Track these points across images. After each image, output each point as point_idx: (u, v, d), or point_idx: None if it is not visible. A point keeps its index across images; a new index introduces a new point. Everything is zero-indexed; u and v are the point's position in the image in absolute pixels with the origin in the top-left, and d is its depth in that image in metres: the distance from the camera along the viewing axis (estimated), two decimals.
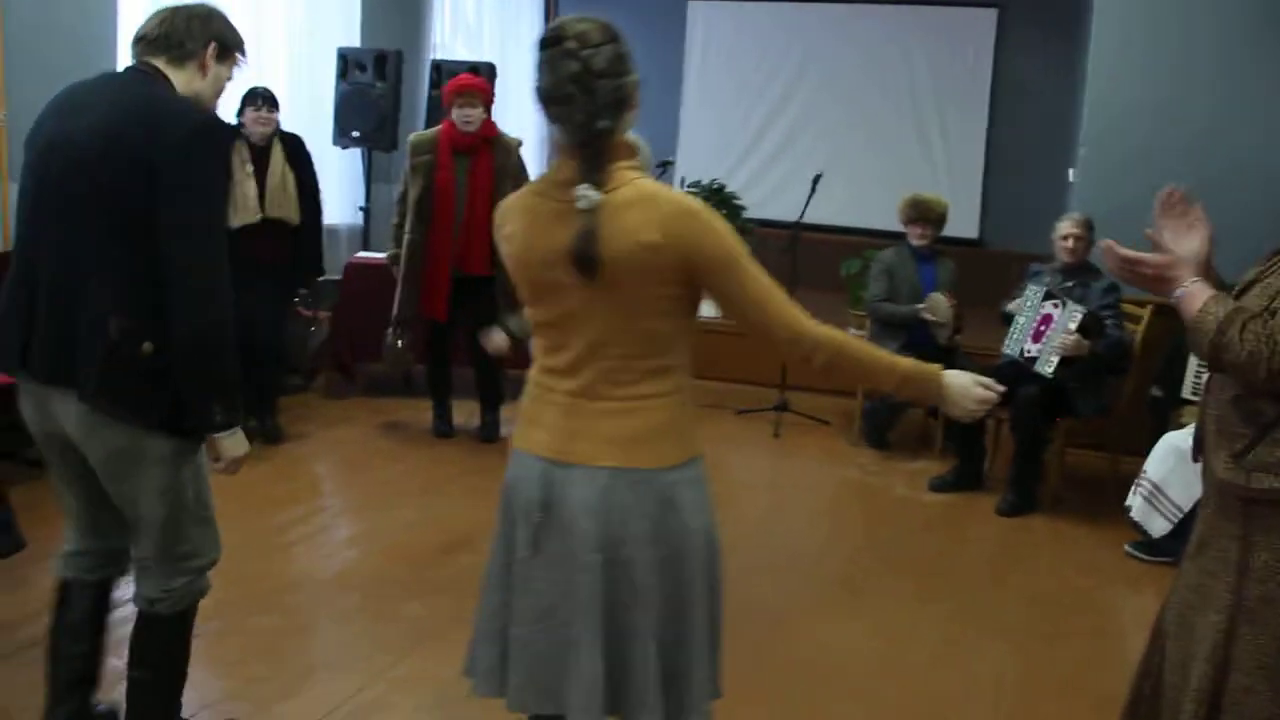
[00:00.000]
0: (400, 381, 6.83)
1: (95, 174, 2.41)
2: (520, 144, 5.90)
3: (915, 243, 6.33)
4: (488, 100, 5.84)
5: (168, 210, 2.38)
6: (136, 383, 2.45)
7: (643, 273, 2.01)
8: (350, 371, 6.85)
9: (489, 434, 6.12)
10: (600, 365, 2.08)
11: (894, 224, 6.57)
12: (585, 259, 1.99)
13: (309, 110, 7.37)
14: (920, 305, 6.08)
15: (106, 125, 2.41)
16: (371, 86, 7.24)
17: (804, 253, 7.10)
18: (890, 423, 6.45)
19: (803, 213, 6.71)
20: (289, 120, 6.18)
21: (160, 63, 2.55)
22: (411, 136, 5.95)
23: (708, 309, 2.22)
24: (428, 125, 7.73)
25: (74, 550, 2.76)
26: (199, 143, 2.43)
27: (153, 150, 2.38)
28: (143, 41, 2.57)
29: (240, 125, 5.68)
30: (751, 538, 4.77)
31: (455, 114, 5.69)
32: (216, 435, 2.54)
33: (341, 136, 7.41)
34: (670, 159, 7.30)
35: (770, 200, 9.26)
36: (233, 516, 3.25)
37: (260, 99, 5.69)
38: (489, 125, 5.77)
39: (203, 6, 2.64)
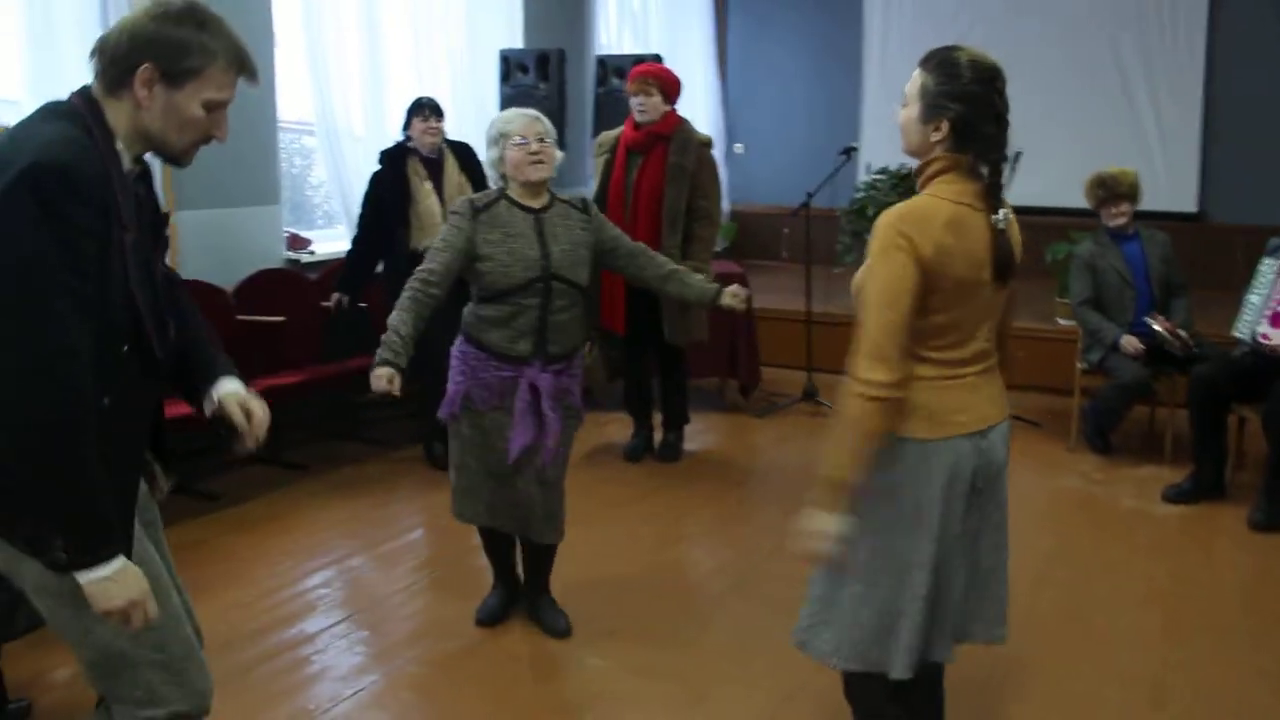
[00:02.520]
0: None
1: None
2: (709, 142, 5.42)
3: (1113, 224, 5.68)
4: (667, 88, 5.31)
5: None
6: None
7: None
8: None
9: (671, 454, 5.74)
10: (990, 347, 2.46)
11: None
12: (1007, 266, 2.36)
13: (475, 116, 7.15)
14: (1123, 333, 5.52)
15: None
16: (535, 88, 6.96)
17: None
18: (1113, 422, 5.78)
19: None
20: (455, 128, 5.96)
21: (98, 90, 1.98)
22: (600, 135, 5.63)
23: None
24: (596, 124, 7.43)
25: None
26: (10, 195, 1.80)
27: None
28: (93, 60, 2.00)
29: (408, 139, 5.46)
30: None
31: (631, 104, 5.32)
32: (78, 577, 1.91)
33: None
34: (854, 144, 6.76)
35: None
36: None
37: (426, 109, 5.46)
38: (669, 119, 5.31)
39: (160, 9, 1.96)
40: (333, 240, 6.47)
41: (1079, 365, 5.84)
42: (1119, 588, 4.19)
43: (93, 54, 1.98)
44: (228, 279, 5.57)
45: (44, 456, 1.84)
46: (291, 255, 6.12)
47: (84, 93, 1.99)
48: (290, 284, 5.90)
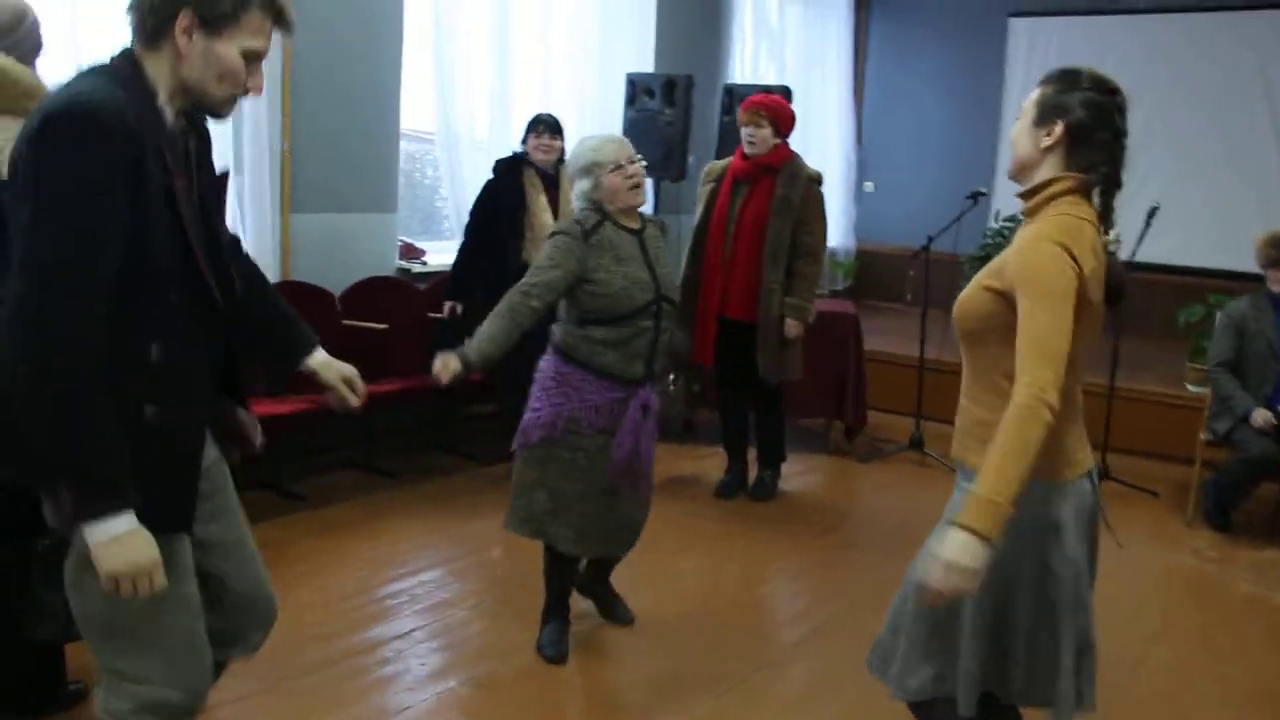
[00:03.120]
0: (680, 427, 6.46)
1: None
2: (818, 178, 5.27)
3: (1277, 289, 5.34)
4: (780, 120, 5.19)
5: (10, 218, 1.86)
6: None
7: None
8: None
9: (764, 492, 5.59)
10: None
11: (1240, 264, 5.59)
12: (1120, 290, 2.30)
13: None
14: (1257, 406, 5.23)
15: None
16: (660, 113, 6.90)
17: (1133, 295, 6.17)
18: (1236, 499, 5.44)
19: (1135, 250, 5.80)
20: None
21: (138, 48, 1.98)
22: (709, 165, 5.55)
23: None
24: (719, 153, 7.34)
25: None
26: (43, 132, 1.82)
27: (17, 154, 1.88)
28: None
29: (526, 153, 5.45)
30: None
31: (741, 135, 5.21)
32: (85, 533, 1.87)
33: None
34: (984, 189, 6.51)
35: None
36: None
37: (542, 125, 5.43)
38: (779, 151, 5.19)
39: None
40: (449, 252, 6.50)
41: (1203, 435, 5.52)
42: (1225, 680, 3.90)
43: (129, 9, 1.97)
44: (337, 284, 5.62)
45: (47, 402, 1.81)
46: (404, 264, 6.16)
47: (124, 53, 1.98)
48: (399, 292, 5.93)
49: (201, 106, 2.04)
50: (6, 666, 3.03)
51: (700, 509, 5.35)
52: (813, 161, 5.40)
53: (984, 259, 7.41)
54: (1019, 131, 2.28)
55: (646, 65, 7.53)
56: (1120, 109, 2.24)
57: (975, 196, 6.32)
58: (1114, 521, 5.37)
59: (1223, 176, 8.48)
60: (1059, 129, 2.20)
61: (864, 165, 10.17)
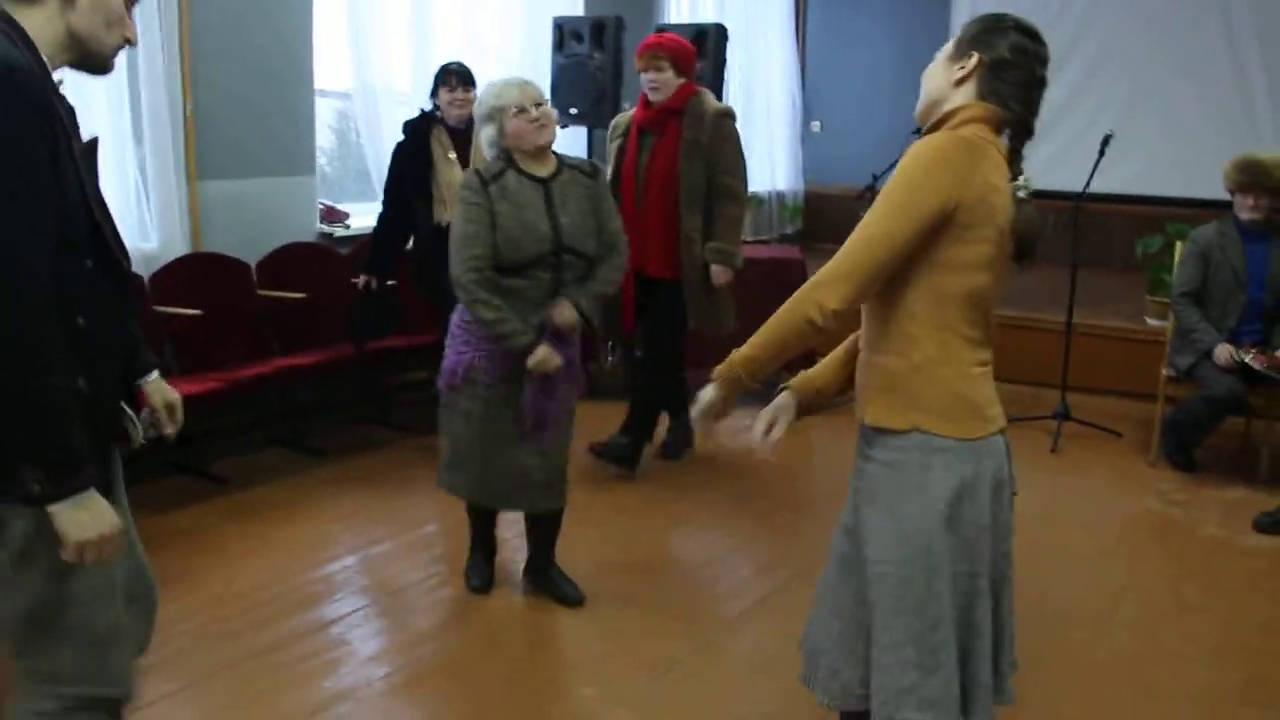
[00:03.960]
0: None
1: None
2: (728, 112, 4.92)
3: (1246, 216, 5.12)
4: (681, 59, 4.82)
5: None
6: None
7: None
8: None
9: (673, 452, 5.31)
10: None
11: (1199, 190, 5.37)
12: (1032, 243, 2.06)
13: None
14: (1220, 341, 5.01)
15: None
16: (589, 58, 6.57)
17: (1090, 228, 5.99)
18: (1198, 438, 5.24)
19: (1089, 181, 5.55)
20: None
21: (10, 5, 1.81)
22: (614, 119, 5.22)
23: None
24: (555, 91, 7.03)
25: None
26: None
27: None
28: None
29: (436, 109, 5.11)
30: (1019, 589, 3.78)
31: (641, 81, 4.86)
32: (52, 508, 1.80)
33: (559, 115, 6.77)
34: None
35: (1053, 169, 7.95)
36: None
37: (454, 77, 5.07)
38: (683, 91, 4.81)
39: None
40: (373, 214, 6.18)
41: (1165, 371, 5.31)
42: (1194, 635, 3.68)
43: None
44: (254, 254, 5.29)
45: (10, 381, 1.74)
46: (325, 229, 5.83)
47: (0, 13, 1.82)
48: (320, 258, 5.61)
49: (88, 63, 1.92)
50: None
51: (645, 472, 5.08)
52: (757, 104, 5.08)
53: None
54: (932, 67, 2.14)
55: (576, 9, 7.17)
56: (1042, 58, 2.10)
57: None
58: (1075, 464, 5.27)
59: (1179, 102, 8.20)
60: (974, 60, 2.07)
61: (810, 105, 9.85)
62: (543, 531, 3.79)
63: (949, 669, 2.06)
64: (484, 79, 6.28)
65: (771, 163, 9.51)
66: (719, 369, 2.15)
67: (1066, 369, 5.71)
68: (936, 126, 2.08)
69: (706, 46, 6.66)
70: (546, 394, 3.49)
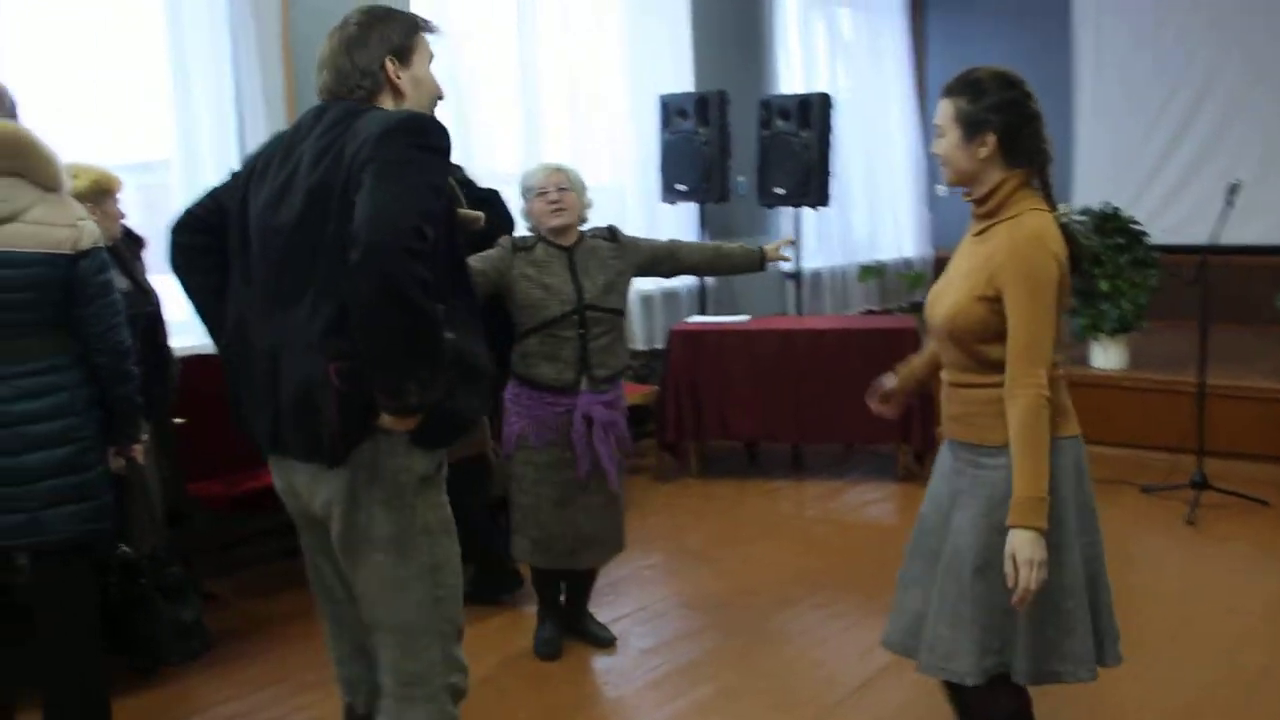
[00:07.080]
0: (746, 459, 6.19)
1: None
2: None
3: None
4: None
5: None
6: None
7: None
8: (679, 450, 6.20)
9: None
10: None
11: None
12: (1081, 255, 2.48)
13: (636, 162, 6.85)
14: None
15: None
16: (694, 133, 6.58)
17: (1226, 282, 5.69)
18: None
19: (1216, 232, 5.25)
20: (614, 174, 6.08)
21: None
22: None
23: None
24: (761, 168, 7.01)
25: (338, 675, 2.55)
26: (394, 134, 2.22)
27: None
28: None
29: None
30: (1146, 673, 3.51)
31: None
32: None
33: (667, 191, 6.81)
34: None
35: (1189, 223, 7.57)
36: None
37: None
38: None
39: None
40: None
41: None
42: None
43: None
44: None
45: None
46: None
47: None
48: None
49: None
50: None
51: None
52: (879, 170, 4.94)
53: None
54: (950, 148, 2.42)
55: (686, 83, 7.14)
56: (1029, 94, 2.41)
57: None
58: (1214, 538, 4.92)
59: None
60: (991, 139, 2.37)
61: (935, 168, 9.64)
62: (580, 586, 4.03)
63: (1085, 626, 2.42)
64: (590, 159, 6.41)
65: (896, 228, 9.37)
66: (1027, 521, 2.31)
67: (1201, 433, 5.37)
68: (985, 199, 2.43)
69: (811, 115, 6.61)
70: (597, 440, 3.69)
